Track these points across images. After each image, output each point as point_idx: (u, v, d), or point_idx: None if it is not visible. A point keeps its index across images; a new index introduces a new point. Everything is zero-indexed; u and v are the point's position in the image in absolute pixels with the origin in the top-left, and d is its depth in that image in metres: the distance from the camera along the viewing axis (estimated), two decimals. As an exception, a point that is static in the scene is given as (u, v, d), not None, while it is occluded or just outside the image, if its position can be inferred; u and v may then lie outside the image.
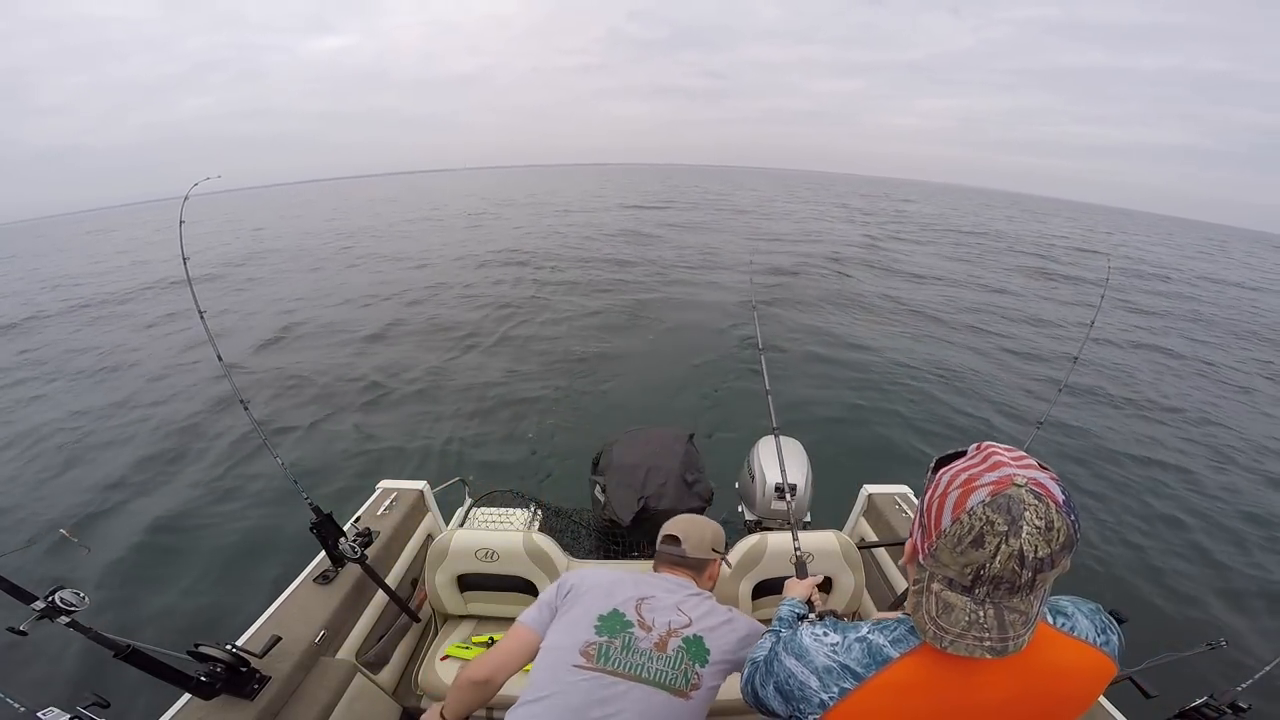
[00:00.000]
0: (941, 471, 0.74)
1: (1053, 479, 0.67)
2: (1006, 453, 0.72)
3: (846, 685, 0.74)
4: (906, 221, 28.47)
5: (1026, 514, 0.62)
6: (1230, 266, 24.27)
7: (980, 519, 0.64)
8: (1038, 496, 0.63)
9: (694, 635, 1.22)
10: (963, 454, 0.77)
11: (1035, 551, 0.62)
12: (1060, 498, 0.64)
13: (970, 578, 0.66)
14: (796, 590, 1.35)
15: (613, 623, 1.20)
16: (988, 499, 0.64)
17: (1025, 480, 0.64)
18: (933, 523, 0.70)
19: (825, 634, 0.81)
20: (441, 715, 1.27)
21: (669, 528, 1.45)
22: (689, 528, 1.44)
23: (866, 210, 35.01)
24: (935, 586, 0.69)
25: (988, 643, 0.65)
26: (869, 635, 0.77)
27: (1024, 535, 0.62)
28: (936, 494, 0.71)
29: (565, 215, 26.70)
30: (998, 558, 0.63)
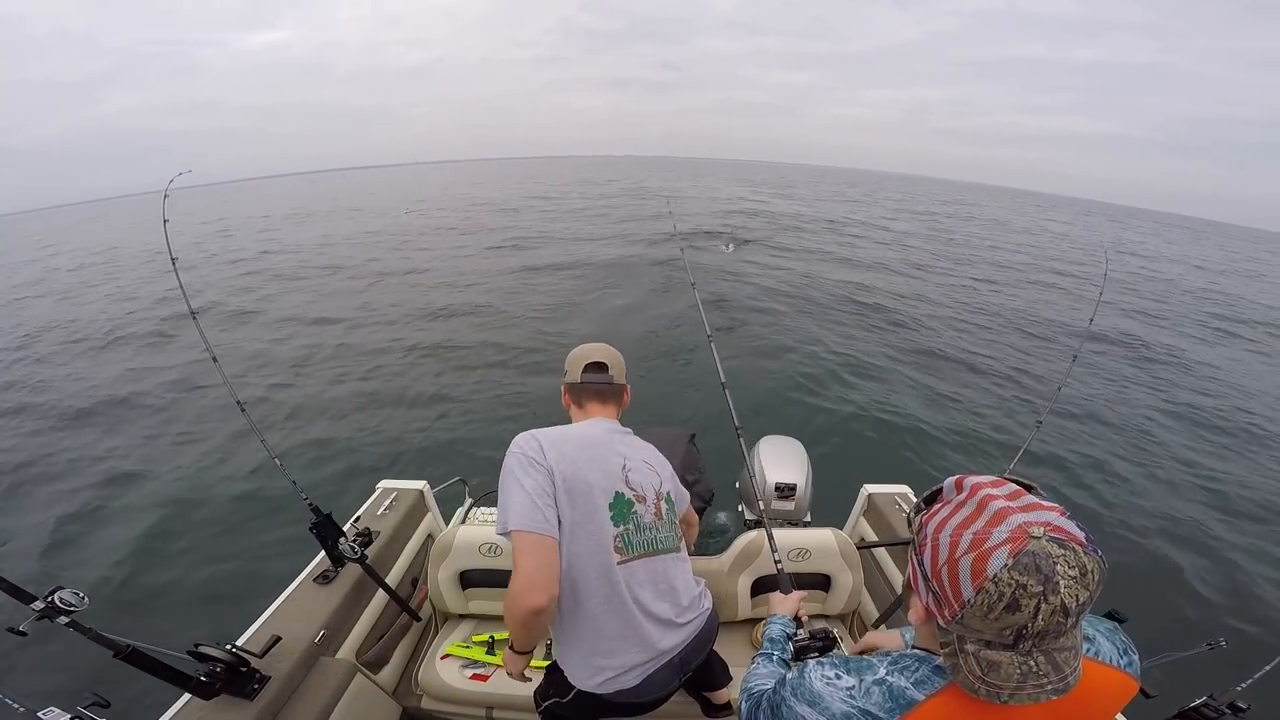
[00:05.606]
0: (935, 529, 0.68)
1: (1063, 515, 0.62)
2: (994, 488, 0.67)
3: None
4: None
5: (1058, 568, 0.58)
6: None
7: (1009, 584, 0.58)
8: (1061, 545, 0.59)
9: (668, 493, 1.29)
10: (939, 492, 0.73)
11: (1077, 600, 0.58)
12: (1081, 536, 0.60)
13: (1012, 637, 0.61)
14: (784, 607, 1.30)
15: (621, 508, 1.19)
16: (1010, 562, 0.59)
17: (1042, 530, 0.59)
18: (948, 593, 0.64)
19: (838, 676, 0.76)
20: (512, 648, 1.28)
21: (589, 355, 1.38)
22: (608, 353, 1.38)
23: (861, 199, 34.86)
24: (970, 648, 0.64)
25: (1050, 686, 0.61)
26: (888, 678, 0.73)
27: (1062, 590, 0.58)
28: (940, 560, 0.65)
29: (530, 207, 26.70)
30: (1040, 616, 0.58)
